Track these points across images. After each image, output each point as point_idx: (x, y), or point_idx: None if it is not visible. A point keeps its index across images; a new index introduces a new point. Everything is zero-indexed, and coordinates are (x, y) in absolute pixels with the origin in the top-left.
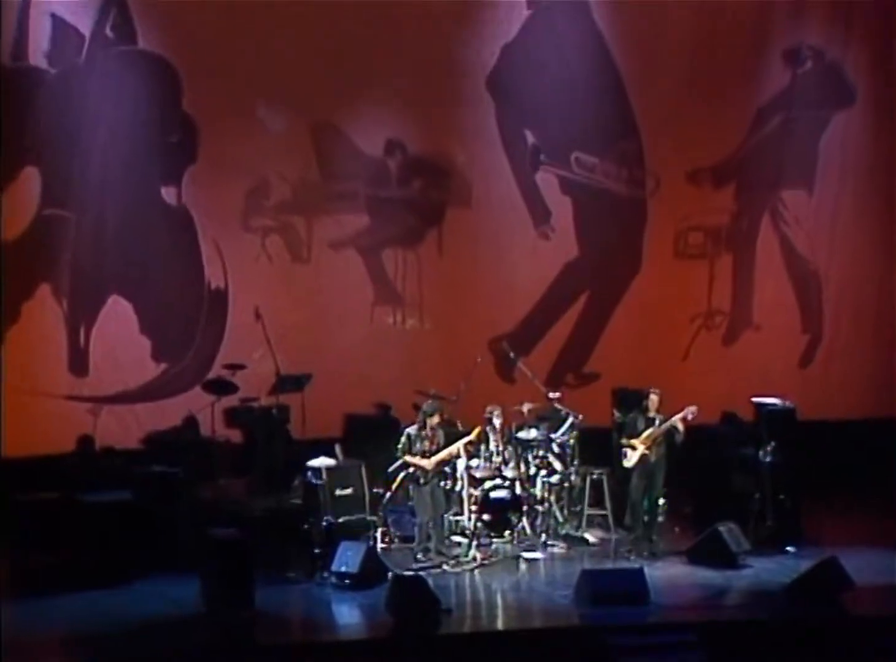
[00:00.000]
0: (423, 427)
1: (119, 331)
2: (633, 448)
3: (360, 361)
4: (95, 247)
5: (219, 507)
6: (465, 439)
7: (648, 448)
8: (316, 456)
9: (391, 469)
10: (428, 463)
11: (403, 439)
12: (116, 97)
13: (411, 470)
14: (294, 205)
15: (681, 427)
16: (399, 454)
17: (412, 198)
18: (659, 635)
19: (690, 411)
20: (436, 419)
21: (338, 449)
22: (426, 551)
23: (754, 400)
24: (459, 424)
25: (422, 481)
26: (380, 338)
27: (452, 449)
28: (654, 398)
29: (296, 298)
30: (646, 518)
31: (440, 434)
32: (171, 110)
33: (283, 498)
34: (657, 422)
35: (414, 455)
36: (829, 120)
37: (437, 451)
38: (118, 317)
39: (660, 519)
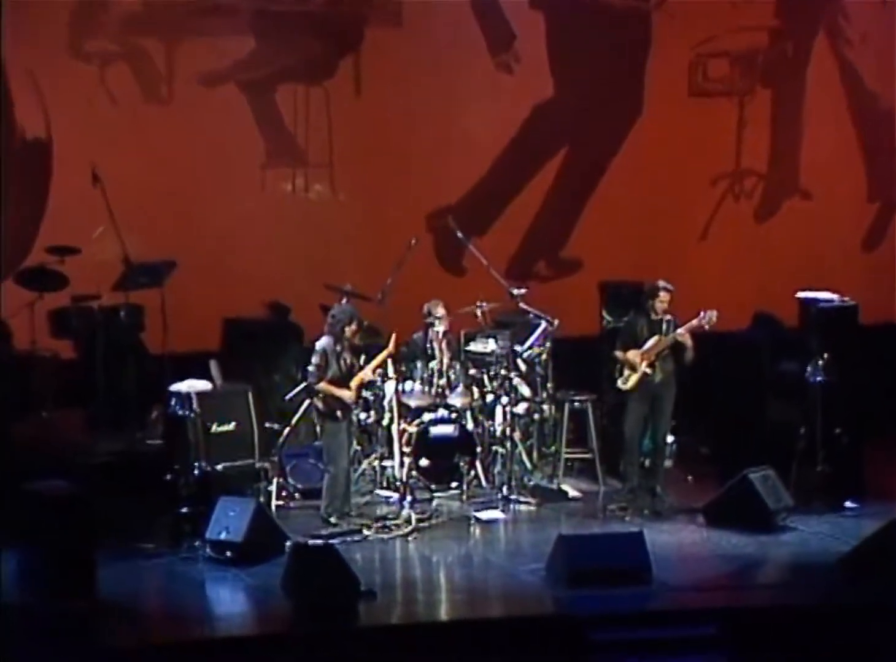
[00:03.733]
0: (339, 339)
1: None
2: (631, 365)
3: (245, 245)
4: None
5: (43, 451)
6: (384, 353)
7: (652, 365)
8: (183, 377)
9: (290, 394)
10: (349, 395)
11: (317, 359)
12: None
13: (316, 401)
14: (147, 23)
15: (689, 341)
16: (313, 379)
17: (317, 14)
18: (665, 627)
19: (709, 316)
20: (354, 327)
21: (214, 367)
22: (343, 513)
23: (800, 295)
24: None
25: (339, 414)
26: (273, 213)
27: (368, 369)
28: (662, 295)
29: (152, 155)
30: (647, 462)
31: (347, 350)
32: None
33: (136, 436)
34: (665, 328)
35: (331, 381)
36: None
37: (350, 374)
38: None
39: (667, 463)
